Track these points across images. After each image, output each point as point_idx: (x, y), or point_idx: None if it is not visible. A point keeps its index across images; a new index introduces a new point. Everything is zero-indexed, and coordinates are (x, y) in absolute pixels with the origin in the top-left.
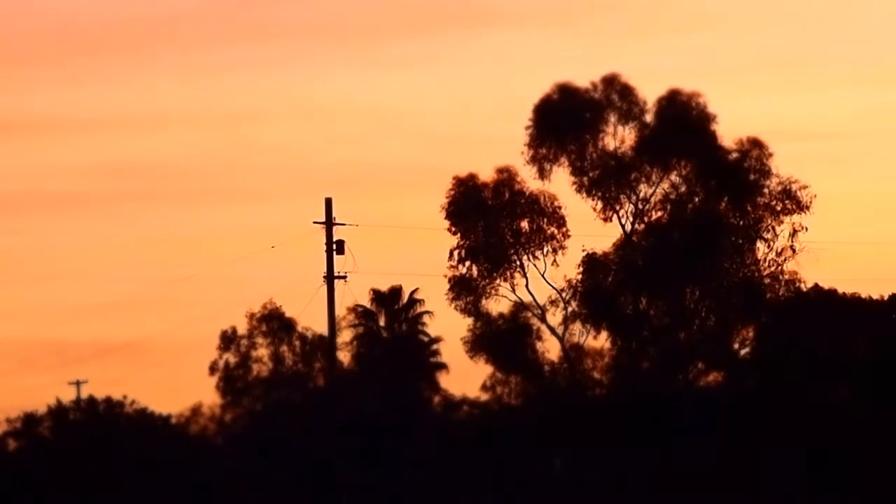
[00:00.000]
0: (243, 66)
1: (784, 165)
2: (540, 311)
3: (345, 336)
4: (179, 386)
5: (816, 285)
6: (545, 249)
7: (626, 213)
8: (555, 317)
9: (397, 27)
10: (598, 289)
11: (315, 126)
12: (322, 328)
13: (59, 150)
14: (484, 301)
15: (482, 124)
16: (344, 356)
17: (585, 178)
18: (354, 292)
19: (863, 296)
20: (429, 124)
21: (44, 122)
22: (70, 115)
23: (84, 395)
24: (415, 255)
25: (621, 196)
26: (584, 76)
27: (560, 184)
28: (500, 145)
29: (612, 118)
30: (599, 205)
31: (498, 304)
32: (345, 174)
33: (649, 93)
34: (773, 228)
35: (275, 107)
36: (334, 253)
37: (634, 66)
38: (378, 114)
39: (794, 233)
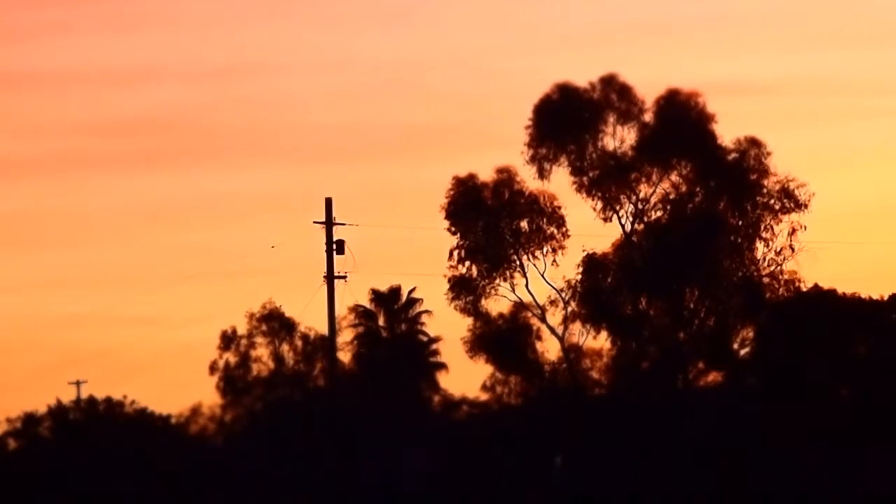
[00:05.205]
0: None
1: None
2: (540, 311)
3: (345, 336)
4: (179, 386)
5: (816, 285)
6: (545, 249)
7: (626, 213)
8: (554, 317)
9: (391, 25)
10: (597, 289)
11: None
12: (322, 328)
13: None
14: (483, 301)
15: (484, 122)
16: (344, 356)
17: (585, 178)
18: (354, 292)
19: (863, 296)
20: (426, 124)
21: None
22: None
23: (84, 395)
24: (415, 255)
25: (621, 196)
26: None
27: (560, 184)
28: (501, 144)
29: (612, 118)
30: (599, 205)
31: (497, 303)
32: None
33: (648, 92)
34: (772, 227)
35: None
36: (334, 253)
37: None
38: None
39: (792, 232)
